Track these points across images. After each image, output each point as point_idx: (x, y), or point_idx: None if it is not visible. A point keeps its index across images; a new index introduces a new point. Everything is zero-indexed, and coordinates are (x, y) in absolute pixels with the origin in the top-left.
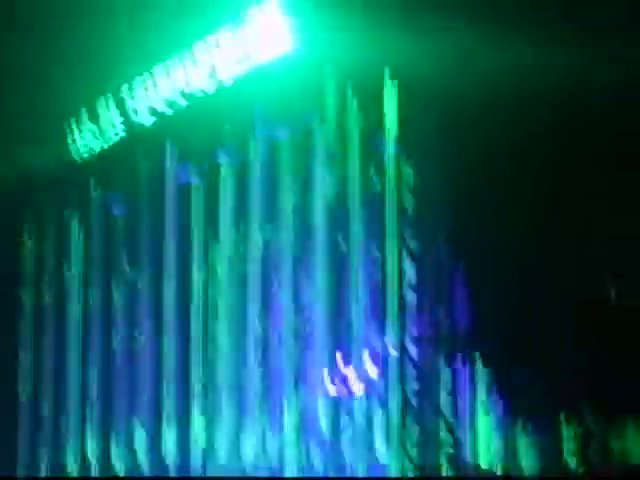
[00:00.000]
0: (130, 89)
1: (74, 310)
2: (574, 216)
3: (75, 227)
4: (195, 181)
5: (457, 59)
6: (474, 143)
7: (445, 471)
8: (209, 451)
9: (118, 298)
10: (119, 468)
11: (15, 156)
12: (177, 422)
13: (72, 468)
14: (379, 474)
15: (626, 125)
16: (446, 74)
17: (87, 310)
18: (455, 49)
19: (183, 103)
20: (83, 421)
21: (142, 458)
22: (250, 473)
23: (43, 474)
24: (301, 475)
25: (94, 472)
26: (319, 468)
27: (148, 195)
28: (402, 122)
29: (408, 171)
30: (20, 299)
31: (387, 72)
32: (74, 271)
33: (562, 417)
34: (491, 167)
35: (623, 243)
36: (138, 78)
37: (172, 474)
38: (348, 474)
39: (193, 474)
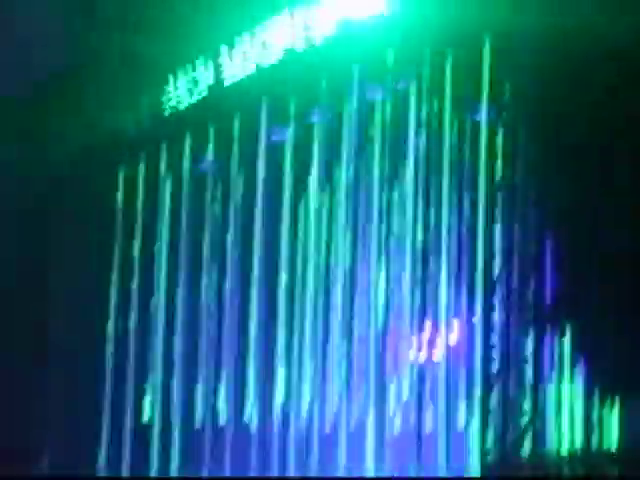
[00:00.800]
0: (228, 48)
1: (163, 264)
2: None
3: (167, 182)
4: (288, 139)
5: (555, 24)
6: (570, 111)
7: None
8: (290, 412)
9: (207, 254)
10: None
11: (111, 111)
12: (261, 380)
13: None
14: (458, 443)
15: None
16: (544, 38)
17: (175, 265)
18: (553, 13)
19: (279, 61)
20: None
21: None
22: (328, 436)
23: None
24: (381, 438)
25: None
26: (398, 434)
27: (240, 152)
28: (497, 87)
29: (501, 137)
30: (112, 252)
31: (485, 36)
32: (164, 227)
33: None
34: (587, 135)
35: None
36: (236, 38)
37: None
38: (427, 442)
39: (273, 433)
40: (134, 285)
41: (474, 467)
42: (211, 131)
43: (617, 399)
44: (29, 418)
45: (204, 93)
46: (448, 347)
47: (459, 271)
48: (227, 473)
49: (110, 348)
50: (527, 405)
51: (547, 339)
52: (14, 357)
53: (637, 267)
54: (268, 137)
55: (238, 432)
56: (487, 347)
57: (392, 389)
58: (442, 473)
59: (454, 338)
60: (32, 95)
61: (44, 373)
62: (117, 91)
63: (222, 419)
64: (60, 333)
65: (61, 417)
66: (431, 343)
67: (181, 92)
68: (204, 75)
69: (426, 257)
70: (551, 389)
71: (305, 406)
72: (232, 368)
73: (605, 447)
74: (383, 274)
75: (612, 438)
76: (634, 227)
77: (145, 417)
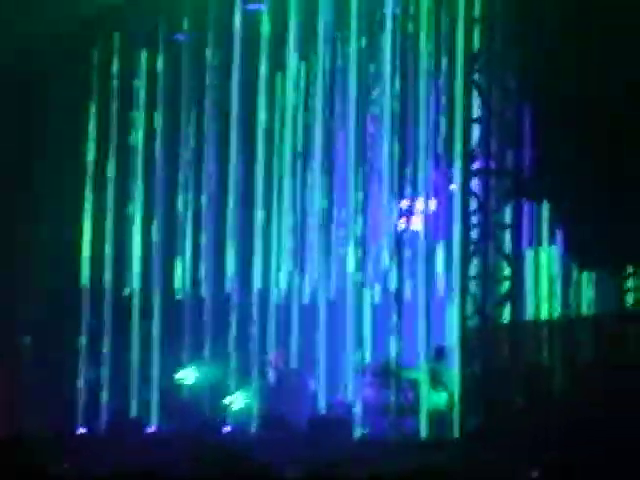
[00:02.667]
0: None
1: (140, 138)
2: None
3: (143, 56)
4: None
5: None
6: None
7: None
8: (270, 283)
9: (184, 127)
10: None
11: None
12: (240, 253)
13: None
14: (439, 308)
15: None
16: None
17: (152, 137)
18: None
19: None
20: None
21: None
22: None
23: None
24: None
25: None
26: (379, 300)
27: (216, 23)
28: None
29: (479, 4)
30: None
31: None
32: (141, 101)
33: (624, 257)
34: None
35: None
36: None
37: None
38: (407, 310)
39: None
40: (111, 164)
41: (453, 333)
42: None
43: (593, 266)
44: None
45: None
46: (427, 216)
47: (437, 139)
48: (207, 344)
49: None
50: (506, 272)
51: (525, 210)
52: None
53: (616, 135)
54: (244, 7)
55: (217, 303)
56: (466, 215)
57: (372, 257)
58: (422, 340)
59: (433, 206)
60: None
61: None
62: None
63: (203, 291)
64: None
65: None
66: (410, 211)
67: None
68: None
69: (404, 126)
70: (529, 257)
71: (284, 277)
72: (212, 242)
73: (581, 313)
74: (362, 144)
75: (589, 304)
76: (611, 96)
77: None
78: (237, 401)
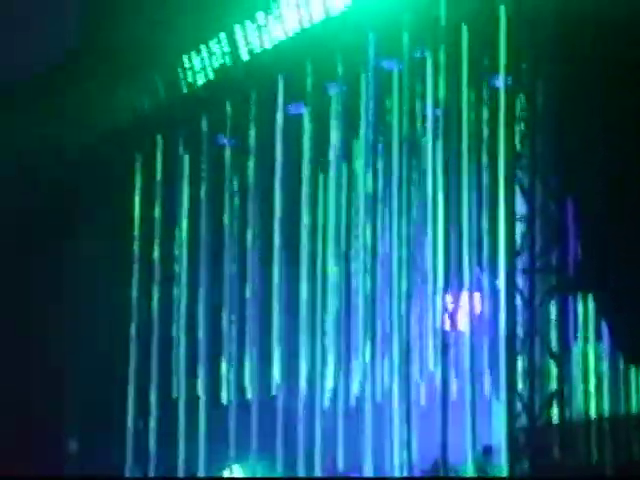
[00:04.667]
0: (243, 24)
1: (184, 247)
2: None
3: (186, 159)
4: (305, 112)
5: None
6: (587, 76)
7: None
8: (316, 384)
9: (227, 233)
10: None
11: (127, 92)
12: (285, 355)
13: None
14: (486, 406)
15: None
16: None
17: (196, 242)
18: None
19: (294, 34)
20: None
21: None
22: (356, 407)
23: None
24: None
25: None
26: (423, 402)
27: (258, 126)
28: (514, 56)
29: (520, 105)
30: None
31: (500, 3)
32: (184, 206)
33: None
34: (604, 100)
35: None
36: (251, 13)
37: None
38: (452, 410)
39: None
40: (156, 261)
41: (501, 433)
42: (228, 107)
43: None
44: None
45: (220, 69)
46: (472, 314)
47: (481, 239)
48: (254, 448)
49: (134, 328)
50: (553, 371)
51: (570, 305)
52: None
53: None
54: (285, 111)
55: (264, 407)
56: (511, 314)
57: (416, 357)
58: (469, 439)
59: (478, 305)
60: (46, 79)
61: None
62: (133, 72)
63: (249, 394)
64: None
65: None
66: (455, 311)
67: (197, 69)
68: (219, 51)
69: (449, 226)
70: (576, 355)
71: (330, 378)
72: (257, 345)
73: (631, 411)
74: (405, 241)
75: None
76: None
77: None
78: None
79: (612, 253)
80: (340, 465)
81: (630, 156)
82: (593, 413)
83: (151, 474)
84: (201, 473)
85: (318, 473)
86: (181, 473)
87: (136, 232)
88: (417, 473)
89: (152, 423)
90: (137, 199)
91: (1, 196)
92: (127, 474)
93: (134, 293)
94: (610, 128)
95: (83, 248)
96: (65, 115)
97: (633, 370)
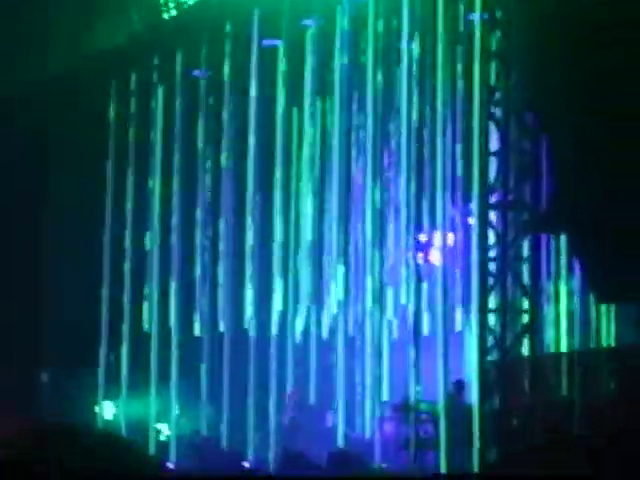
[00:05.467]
0: None
1: (157, 173)
2: None
3: (160, 91)
4: (281, 46)
5: None
6: (563, 15)
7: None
8: (286, 316)
9: (201, 160)
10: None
11: (99, 26)
12: (257, 284)
13: None
14: (458, 342)
15: None
16: None
17: (169, 171)
18: None
19: None
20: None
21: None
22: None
23: None
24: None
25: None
26: (395, 336)
27: (233, 59)
28: None
29: (496, 40)
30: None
31: None
32: (157, 136)
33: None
34: (586, 36)
35: None
36: None
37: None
38: (424, 344)
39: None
40: (129, 200)
41: (472, 368)
42: (203, 41)
43: (611, 299)
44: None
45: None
46: (445, 249)
47: (454, 173)
48: (226, 379)
49: (107, 258)
50: (525, 307)
51: (543, 242)
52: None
53: (634, 167)
54: (260, 45)
55: (237, 338)
56: (484, 248)
57: (390, 292)
58: (440, 375)
59: (451, 240)
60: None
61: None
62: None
63: (221, 326)
64: (57, 240)
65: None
66: (428, 245)
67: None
68: None
69: (422, 161)
70: (548, 291)
71: (303, 313)
72: (230, 278)
73: (600, 346)
74: (379, 177)
75: (609, 337)
76: (630, 127)
77: (144, 325)
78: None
79: (585, 191)
80: (311, 399)
81: (606, 95)
82: (564, 348)
83: (122, 411)
84: (174, 407)
85: (288, 407)
86: (154, 408)
87: (110, 164)
88: (388, 408)
89: (124, 355)
90: (111, 129)
91: None
92: (97, 409)
93: (107, 227)
94: (586, 66)
95: (55, 182)
96: (33, 46)
97: (603, 307)
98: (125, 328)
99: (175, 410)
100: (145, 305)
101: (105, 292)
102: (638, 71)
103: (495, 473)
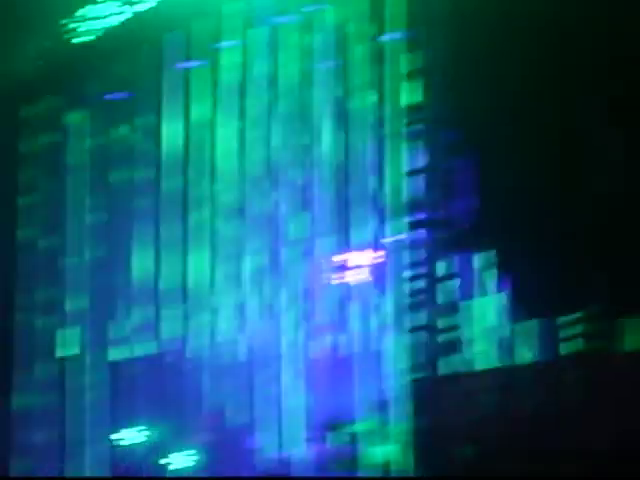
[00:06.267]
0: None
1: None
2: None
3: (75, 116)
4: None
5: None
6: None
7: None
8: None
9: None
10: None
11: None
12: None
13: None
14: (375, 361)
15: None
16: None
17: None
18: None
19: None
20: None
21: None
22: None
23: None
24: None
25: None
26: (318, 357)
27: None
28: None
29: (413, 59)
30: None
31: None
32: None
33: (563, 305)
34: (499, 52)
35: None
36: None
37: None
38: (345, 365)
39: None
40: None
41: (394, 386)
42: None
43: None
44: None
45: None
46: (369, 269)
47: (378, 194)
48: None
49: None
50: (443, 324)
51: (464, 259)
52: None
53: (553, 187)
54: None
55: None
56: (400, 268)
57: (309, 313)
58: (360, 394)
59: (368, 260)
60: None
61: None
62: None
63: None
64: None
65: None
66: (350, 265)
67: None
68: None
69: (339, 179)
70: (468, 309)
71: (220, 333)
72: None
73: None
74: (301, 199)
75: (528, 356)
76: (553, 147)
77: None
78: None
79: (511, 207)
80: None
81: (531, 110)
82: (491, 365)
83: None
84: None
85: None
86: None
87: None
88: (312, 428)
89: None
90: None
91: None
92: None
93: None
94: (510, 80)
95: None
96: None
97: (519, 326)
98: None
99: None
100: None
101: None
102: (566, 80)
103: None
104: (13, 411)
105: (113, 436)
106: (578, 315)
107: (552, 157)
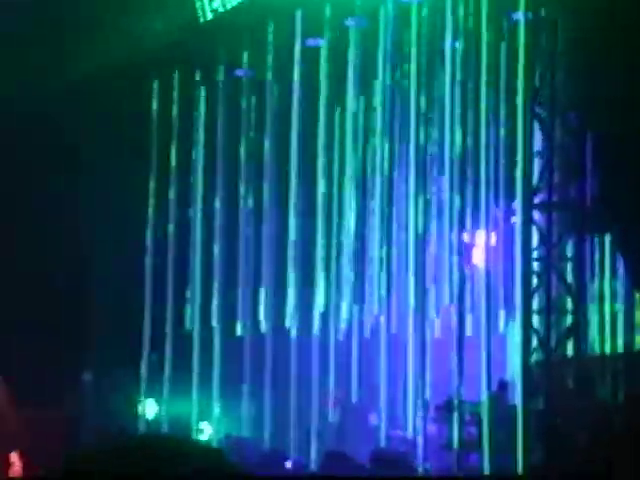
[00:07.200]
0: None
1: (199, 173)
2: None
3: (202, 90)
4: (323, 45)
5: None
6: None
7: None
8: (330, 317)
9: (244, 161)
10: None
11: (139, 25)
12: (300, 286)
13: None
14: (501, 342)
15: None
16: None
17: (213, 172)
18: None
19: None
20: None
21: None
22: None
23: None
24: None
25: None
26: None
27: (276, 59)
28: None
29: (540, 40)
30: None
31: None
32: (200, 136)
33: None
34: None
35: None
36: None
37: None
38: (467, 345)
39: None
40: (172, 195)
41: (515, 369)
42: (246, 38)
43: None
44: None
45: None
46: (489, 250)
47: (498, 173)
48: (267, 378)
49: (149, 259)
50: (569, 306)
51: (587, 242)
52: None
53: None
54: (303, 42)
55: (278, 339)
56: (528, 249)
57: (432, 292)
58: (484, 376)
59: (494, 240)
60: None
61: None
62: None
63: (263, 326)
64: (100, 247)
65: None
66: (471, 246)
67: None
68: None
69: (465, 161)
70: (592, 291)
71: (345, 311)
72: (272, 276)
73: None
74: (422, 178)
75: None
76: None
77: (187, 325)
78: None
79: (629, 190)
80: (354, 399)
81: None
82: (608, 349)
83: (164, 410)
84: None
85: (330, 407)
86: (195, 407)
87: (153, 166)
88: (431, 409)
89: (167, 354)
90: (154, 132)
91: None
92: (139, 409)
93: (149, 227)
94: (632, 66)
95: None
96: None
97: None
98: (168, 327)
99: (216, 409)
100: (188, 305)
101: (148, 292)
102: None
103: (540, 474)
104: None
105: None
106: None
107: None
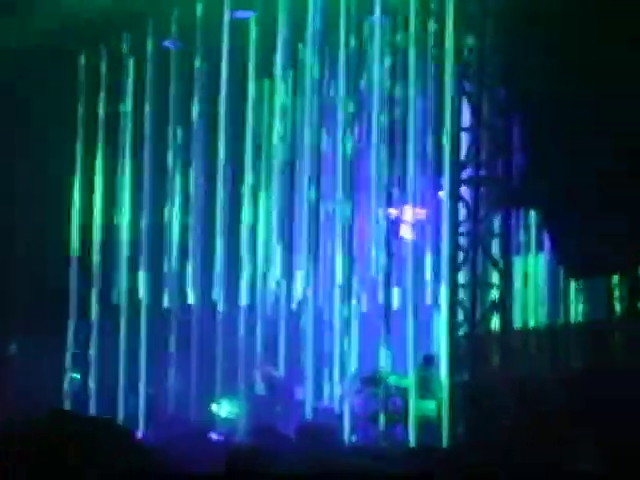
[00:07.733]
0: None
1: (127, 146)
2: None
3: (131, 62)
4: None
5: None
6: None
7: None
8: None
9: (171, 134)
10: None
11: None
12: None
13: None
14: (427, 316)
15: None
16: None
17: (141, 146)
18: None
19: None
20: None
21: None
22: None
23: None
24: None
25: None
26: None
27: (204, 30)
28: None
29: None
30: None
31: None
32: (128, 108)
33: (612, 263)
34: (555, 16)
35: None
36: None
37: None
38: (394, 318)
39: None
40: (98, 173)
41: (442, 343)
42: (175, 11)
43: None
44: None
45: None
46: (416, 224)
47: (426, 148)
48: (194, 350)
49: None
50: (495, 280)
51: (514, 217)
52: None
53: (605, 144)
54: (232, 15)
55: (205, 311)
56: (455, 223)
57: (359, 266)
58: (410, 348)
59: (422, 214)
60: None
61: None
62: None
63: (190, 299)
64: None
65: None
66: (398, 220)
67: None
68: None
69: (393, 134)
70: (518, 265)
71: (272, 284)
72: (199, 249)
73: (570, 321)
74: (350, 149)
75: (577, 312)
76: (606, 104)
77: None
78: (223, 409)
79: (557, 167)
80: (280, 373)
81: (580, 72)
82: (532, 323)
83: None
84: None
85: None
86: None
87: (80, 135)
88: (358, 381)
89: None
90: (81, 101)
91: None
92: (65, 381)
93: (76, 197)
94: (561, 43)
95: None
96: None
97: (572, 283)
98: (94, 298)
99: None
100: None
101: (74, 262)
102: (617, 45)
103: (464, 447)
104: None
105: None
106: (631, 273)
107: (607, 115)
